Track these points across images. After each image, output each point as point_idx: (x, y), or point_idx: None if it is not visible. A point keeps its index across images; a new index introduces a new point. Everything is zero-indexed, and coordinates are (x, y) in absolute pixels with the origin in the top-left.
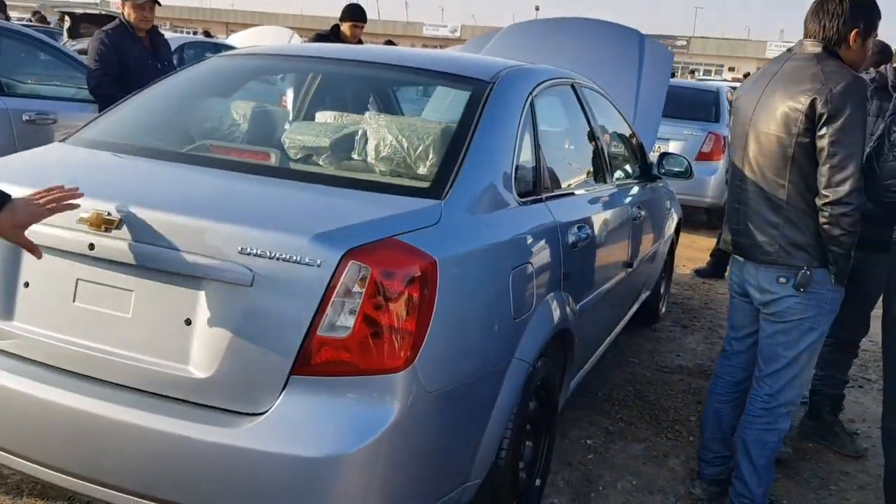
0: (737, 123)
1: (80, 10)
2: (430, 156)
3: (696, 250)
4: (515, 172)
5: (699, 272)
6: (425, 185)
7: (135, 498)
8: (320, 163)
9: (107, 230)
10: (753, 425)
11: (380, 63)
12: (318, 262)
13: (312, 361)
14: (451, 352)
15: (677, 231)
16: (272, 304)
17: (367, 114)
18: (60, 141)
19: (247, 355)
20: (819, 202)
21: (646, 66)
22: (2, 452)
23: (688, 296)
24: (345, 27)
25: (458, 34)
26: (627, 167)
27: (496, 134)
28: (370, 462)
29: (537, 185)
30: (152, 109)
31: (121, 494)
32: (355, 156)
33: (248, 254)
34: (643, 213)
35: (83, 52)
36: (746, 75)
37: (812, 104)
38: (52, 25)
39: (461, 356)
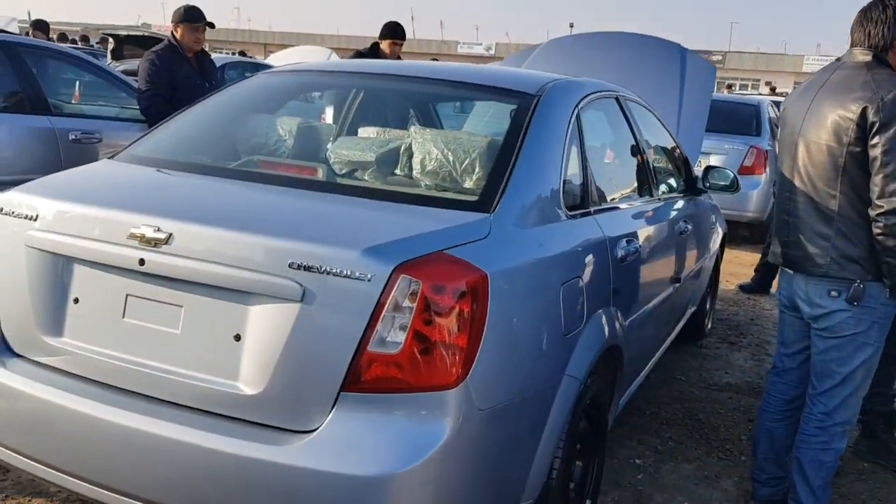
0: (785, 133)
1: (125, 32)
2: (477, 169)
3: (739, 265)
4: (563, 185)
5: (744, 287)
6: (473, 198)
7: None
8: (366, 177)
9: (157, 246)
10: (809, 445)
11: (425, 78)
12: (369, 276)
13: (363, 378)
14: (502, 368)
15: (722, 246)
16: (322, 320)
17: (411, 128)
18: (109, 158)
19: (297, 372)
20: (872, 213)
21: (688, 79)
22: (50, 470)
23: (733, 311)
24: (384, 45)
25: (492, 52)
26: (673, 181)
27: (543, 147)
28: (422, 482)
29: (585, 198)
30: (199, 126)
31: None
32: (401, 170)
33: (298, 268)
34: (690, 227)
35: (128, 73)
36: (773, 89)
37: (863, 113)
38: (94, 47)
39: (513, 373)
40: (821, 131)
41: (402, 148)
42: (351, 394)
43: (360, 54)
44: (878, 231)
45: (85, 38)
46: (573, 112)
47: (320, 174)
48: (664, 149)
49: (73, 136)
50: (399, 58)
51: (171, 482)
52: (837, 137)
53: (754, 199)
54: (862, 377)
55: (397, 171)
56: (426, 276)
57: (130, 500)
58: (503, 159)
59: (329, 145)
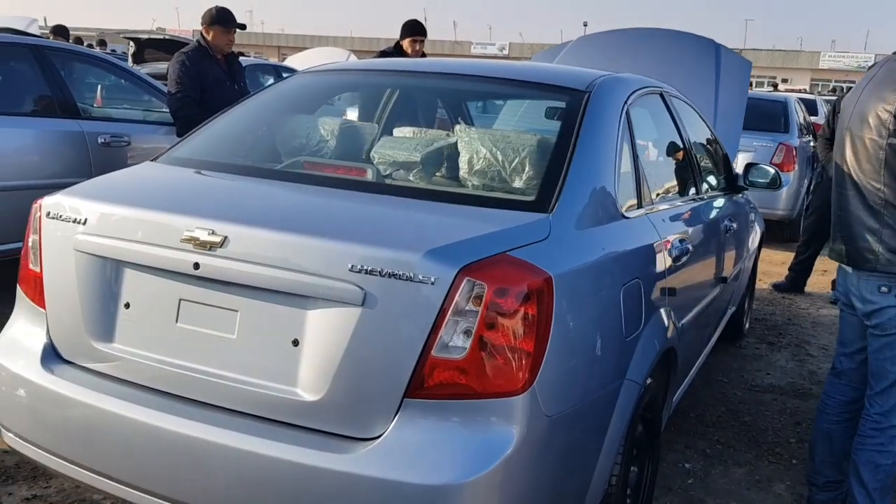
0: (839, 129)
1: (145, 36)
2: (528, 168)
3: (770, 264)
4: (617, 184)
5: (777, 286)
6: (530, 198)
7: None
8: (410, 177)
9: (211, 249)
10: (864, 447)
11: (470, 75)
12: (432, 279)
13: (426, 384)
14: (568, 373)
15: (760, 244)
16: (384, 324)
17: (457, 127)
18: (152, 160)
19: (358, 377)
20: None
21: (723, 75)
22: (100, 477)
23: (769, 311)
24: (405, 44)
25: (505, 52)
26: (716, 178)
27: (597, 144)
28: (488, 491)
29: (638, 196)
30: (241, 128)
31: None
32: (448, 170)
33: (359, 272)
34: (735, 225)
35: (153, 76)
36: (775, 86)
37: None
38: (112, 52)
39: (577, 378)
40: (864, 125)
41: (449, 147)
42: (415, 400)
43: (384, 54)
44: None
45: (102, 43)
46: (623, 108)
47: (370, 175)
48: (707, 146)
49: (103, 140)
50: (424, 55)
51: (229, 490)
52: (878, 130)
53: (784, 197)
54: None
55: (444, 171)
56: (491, 279)
57: None
58: (558, 157)
59: (372, 145)
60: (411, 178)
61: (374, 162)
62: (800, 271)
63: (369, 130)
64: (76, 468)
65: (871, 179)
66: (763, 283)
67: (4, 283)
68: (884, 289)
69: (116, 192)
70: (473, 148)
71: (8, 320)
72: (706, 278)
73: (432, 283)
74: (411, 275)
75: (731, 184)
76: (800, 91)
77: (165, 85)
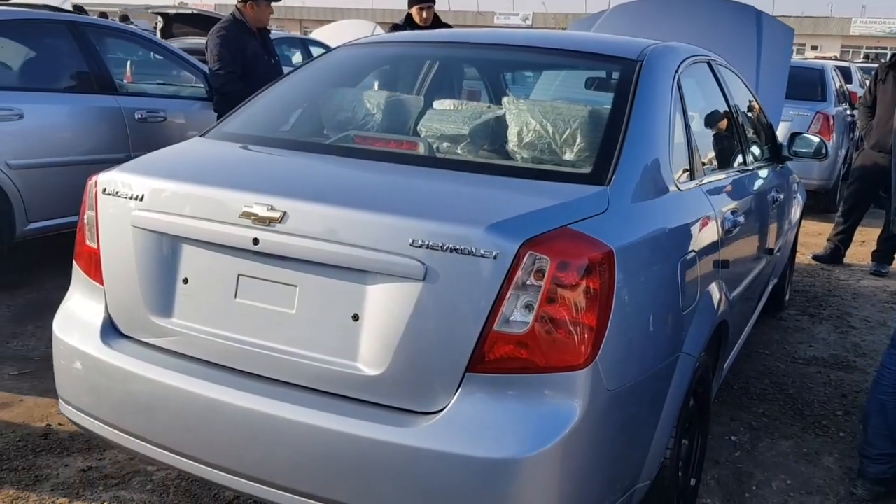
0: None
1: (173, 11)
2: (579, 140)
3: (806, 235)
4: (672, 155)
5: (817, 257)
6: (586, 170)
7: (304, 499)
8: (458, 150)
9: (271, 224)
10: None
11: (517, 46)
12: (495, 253)
13: (488, 358)
14: (629, 347)
15: (801, 215)
16: (445, 299)
17: (505, 99)
18: (200, 136)
19: (419, 352)
20: None
21: (765, 43)
22: (161, 450)
23: (808, 283)
24: (414, 12)
25: (529, 22)
26: (762, 148)
27: (651, 114)
28: (551, 465)
29: (691, 168)
30: (287, 102)
31: (288, 495)
32: (497, 143)
33: (420, 246)
34: (781, 196)
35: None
36: None
37: None
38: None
39: (638, 351)
40: None
41: (496, 120)
42: (476, 374)
43: (396, 27)
44: None
45: (125, 18)
46: (675, 78)
47: (421, 148)
48: (753, 116)
49: (139, 115)
50: (438, 19)
51: (291, 463)
52: None
53: (819, 166)
54: None
55: (492, 144)
56: (553, 253)
57: (250, 481)
58: (612, 128)
59: (419, 119)
60: (459, 150)
61: (422, 135)
62: (839, 242)
63: (415, 103)
64: (136, 440)
65: None
66: (801, 254)
67: (48, 258)
68: None
69: (172, 168)
70: (523, 120)
71: (62, 295)
72: (755, 250)
73: (494, 258)
74: (473, 249)
75: (775, 154)
76: (831, 58)
77: (200, 60)
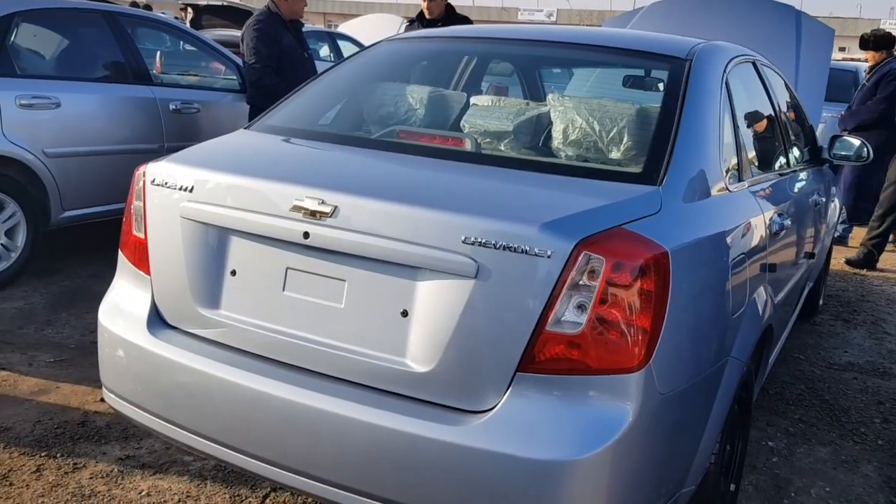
0: None
1: (204, 2)
2: (626, 139)
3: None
4: (721, 156)
5: (850, 262)
6: (636, 169)
7: (346, 493)
8: (502, 147)
9: (321, 219)
10: None
11: (564, 43)
12: (549, 252)
13: (539, 358)
14: (681, 350)
15: (837, 219)
16: (497, 297)
17: (549, 96)
18: (245, 128)
19: (469, 350)
20: None
21: (804, 44)
22: (205, 441)
23: (841, 287)
24: (423, 5)
25: (553, 18)
26: (803, 150)
27: (702, 114)
28: (600, 469)
29: (739, 169)
30: (330, 95)
31: (331, 488)
32: (541, 140)
33: (472, 244)
34: (823, 199)
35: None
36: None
37: None
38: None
39: (690, 355)
40: None
41: (543, 117)
42: (527, 374)
43: (411, 22)
44: None
45: (147, 7)
46: (723, 77)
47: (468, 145)
48: (796, 117)
49: (174, 107)
50: (453, 10)
51: (338, 458)
52: None
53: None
54: None
55: (537, 141)
56: (609, 253)
57: (293, 474)
58: (663, 127)
59: (461, 114)
60: (502, 147)
61: (465, 131)
62: (873, 246)
63: (458, 99)
64: (180, 430)
65: None
66: (834, 259)
67: (81, 246)
68: None
69: (221, 160)
70: (568, 117)
71: (105, 286)
72: (798, 254)
73: (548, 257)
74: (527, 248)
75: (814, 156)
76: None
77: (234, 52)
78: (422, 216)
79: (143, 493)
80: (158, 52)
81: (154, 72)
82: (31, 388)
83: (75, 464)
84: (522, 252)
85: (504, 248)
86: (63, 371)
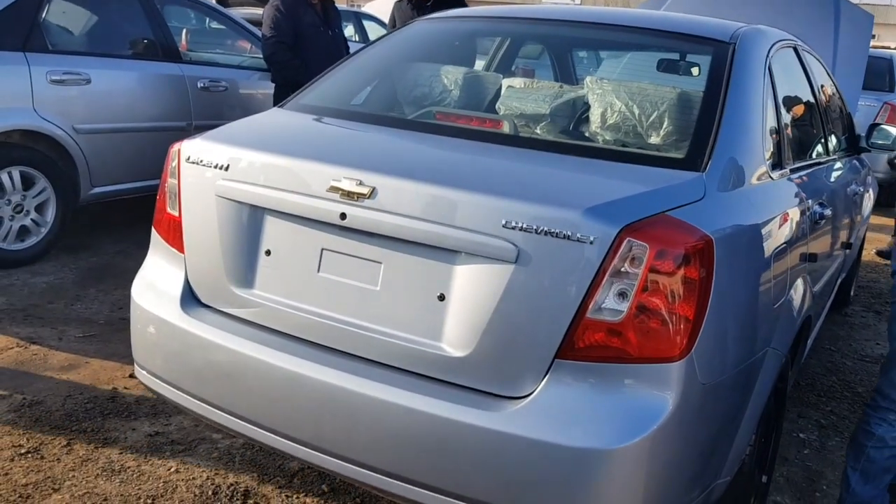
0: None
1: None
2: (667, 123)
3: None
4: (765, 143)
5: (881, 253)
6: (679, 155)
7: (378, 475)
8: (538, 130)
9: (359, 200)
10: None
11: (605, 24)
12: (591, 238)
13: (579, 345)
14: (723, 340)
15: (871, 209)
16: (537, 283)
17: (587, 79)
18: (279, 107)
19: (507, 336)
20: None
21: (842, 30)
22: (236, 419)
23: (872, 278)
24: None
25: (578, 2)
26: (842, 138)
27: (746, 99)
28: (639, 458)
29: (781, 157)
30: (365, 75)
31: (364, 470)
32: (579, 123)
33: (513, 228)
34: (861, 189)
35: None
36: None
37: None
38: None
39: (732, 345)
40: None
41: (581, 100)
42: (566, 361)
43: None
44: None
45: None
46: (766, 62)
47: (506, 127)
48: (836, 105)
49: (202, 84)
50: None
51: (372, 441)
52: None
53: (884, 158)
54: None
55: (574, 125)
56: (653, 240)
57: (326, 455)
58: (707, 113)
59: (497, 96)
60: (539, 130)
61: (501, 113)
62: None
63: (493, 80)
64: (211, 408)
65: None
66: (864, 249)
67: (110, 223)
68: None
69: (257, 139)
70: (607, 101)
71: (140, 263)
72: (835, 244)
73: (591, 243)
74: (569, 233)
75: (852, 144)
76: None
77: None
78: (461, 199)
79: (172, 469)
80: (184, 30)
81: (180, 49)
82: (60, 363)
83: (105, 439)
84: (564, 237)
85: (545, 233)
86: (92, 346)
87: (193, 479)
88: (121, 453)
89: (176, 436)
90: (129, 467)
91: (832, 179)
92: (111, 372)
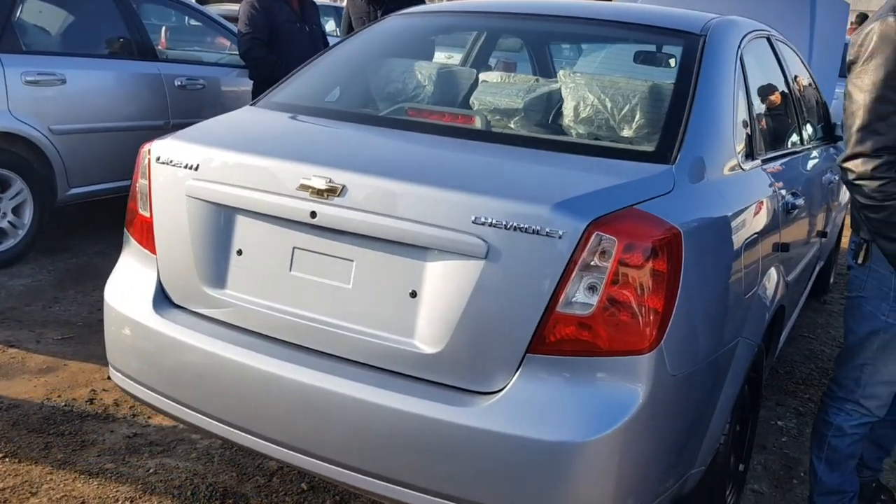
0: None
1: None
2: (639, 116)
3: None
4: (735, 133)
5: None
6: (649, 148)
7: (353, 473)
8: (511, 125)
9: (328, 198)
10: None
11: (575, 17)
12: (560, 233)
13: (549, 340)
14: (693, 331)
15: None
16: (507, 278)
17: (560, 73)
18: (251, 105)
19: (479, 331)
20: None
21: (818, 18)
22: (211, 420)
23: None
24: None
25: None
26: (816, 128)
27: (716, 91)
28: (610, 451)
29: (753, 148)
30: (337, 72)
31: (338, 469)
32: (552, 117)
33: (483, 224)
34: (836, 178)
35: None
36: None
37: None
38: None
39: (702, 337)
40: None
41: (553, 94)
42: (537, 356)
43: None
44: None
45: None
46: (738, 53)
47: (478, 122)
48: (811, 94)
49: (179, 82)
50: None
51: (342, 437)
52: None
53: None
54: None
55: (547, 119)
56: (621, 234)
57: (300, 454)
58: (676, 105)
59: (471, 91)
60: (512, 125)
61: (475, 108)
62: None
63: (467, 76)
64: (186, 410)
65: None
66: (845, 238)
67: (88, 223)
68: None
69: (227, 138)
70: (580, 95)
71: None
72: (810, 233)
73: (560, 237)
74: (538, 228)
75: (828, 133)
76: None
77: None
78: (431, 196)
79: (151, 471)
80: (163, 28)
81: (159, 47)
82: (38, 366)
83: (83, 441)
84: (533, 232)
85: (515, 229)
86: (70, 349)
87: (172, 480)
88: (99, 456)
89: (154, 437)
90: (107, 469)
91: (807, 168)
92: (89, 374)
